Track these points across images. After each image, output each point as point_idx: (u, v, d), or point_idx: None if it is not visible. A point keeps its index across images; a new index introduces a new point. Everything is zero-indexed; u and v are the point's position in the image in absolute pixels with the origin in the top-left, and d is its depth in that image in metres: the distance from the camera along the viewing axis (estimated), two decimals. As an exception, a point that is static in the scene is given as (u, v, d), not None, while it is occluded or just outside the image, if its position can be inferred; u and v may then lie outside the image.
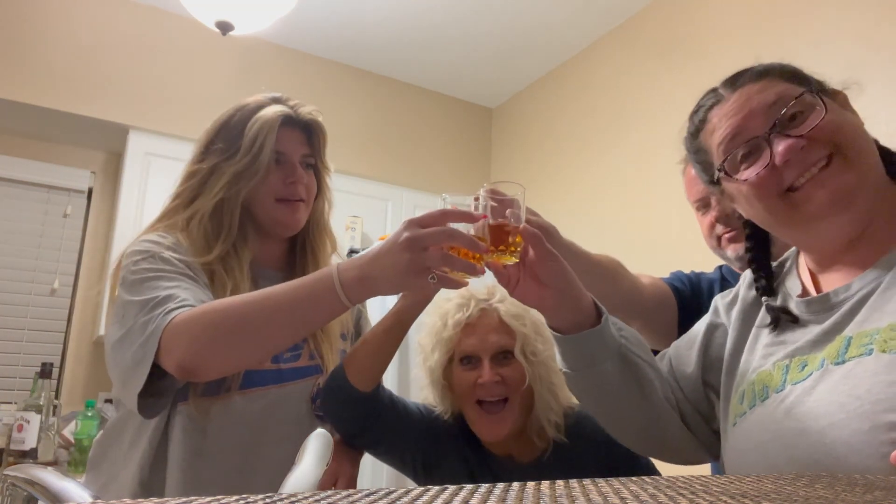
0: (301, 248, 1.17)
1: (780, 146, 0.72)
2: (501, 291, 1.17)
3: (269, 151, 1.06)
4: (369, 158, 3.41)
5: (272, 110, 1.08)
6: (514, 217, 0.82)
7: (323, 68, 3.39)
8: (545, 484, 0.41)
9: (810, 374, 0.71)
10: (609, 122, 2.97)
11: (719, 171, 0.79)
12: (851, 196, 0.72)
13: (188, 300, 0.92)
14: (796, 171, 0.73)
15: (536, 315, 1.14)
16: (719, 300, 0.94)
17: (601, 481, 0.42)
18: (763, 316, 0.84)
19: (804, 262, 0.85)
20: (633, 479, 0.44)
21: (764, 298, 0.85)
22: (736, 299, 0.91)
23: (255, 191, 1.07)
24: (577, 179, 3.11)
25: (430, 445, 1.16)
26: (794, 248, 0.89)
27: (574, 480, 0.43)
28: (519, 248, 0.81)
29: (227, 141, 1.07)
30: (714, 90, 0.82)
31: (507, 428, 1.10)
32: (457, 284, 0.85)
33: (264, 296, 0.89)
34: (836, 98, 0.80)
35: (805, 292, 0.81)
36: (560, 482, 0.42)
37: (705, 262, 1.40)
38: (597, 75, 3.11)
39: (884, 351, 0.65)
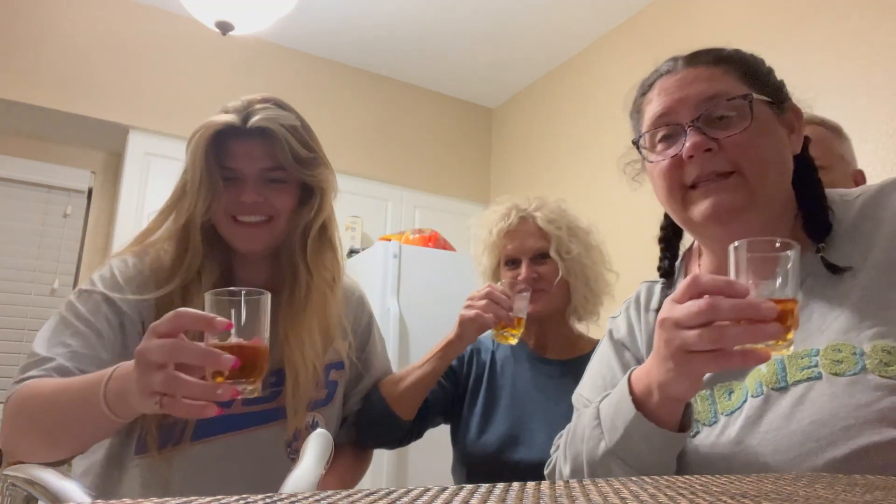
0: (281, 273, 1.05)
1: (690, 141, 0.72)
2: (538, 201, 1.33)
3: (201, 169, 0.95)
4: (369, 158, 3.41)
5: (210, 122, 0.97)
6: None
7: (323, 68, 3.39)
8: (545, 484, 0.41)
9: (744, 401, 0.68)
10: (609, 121, 2.97)
11: (634, 142, 0.81)
12: (733, 215, 0.72)
13: (54, 369, 0.86)
14: (697, 171, 0.73)
15: (570, 220, 1.30)
16: (613, 323, 0.90)
17: (601, 481, 0.42)
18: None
19: (698, 268, 0.83)
20: (633, 479, 0.44)
21: (662, 280, 0.86)
22: (632, 326, 0.86)
23: (213, 210, 0.98)
24: (578, 179, 3.11)
25: (466, 391, 1.31)
26: (686, 251, 0.89)
27: (574, 480, 0.43)
28: None
29: None
30: (674, 59, 0.80)
31: (541, 305, 1.26)
32: (190, 411, 0.67)
33: (59, 391, 0.80)
34: (783, 112, 0.77)
35: None
36: (560, 482, 0.42)
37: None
38: (597, 75, 3.11)
39: (836, 374, 0.63)
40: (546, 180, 3.31)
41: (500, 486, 0.40)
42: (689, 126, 0.73)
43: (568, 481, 0.43)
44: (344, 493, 0.36)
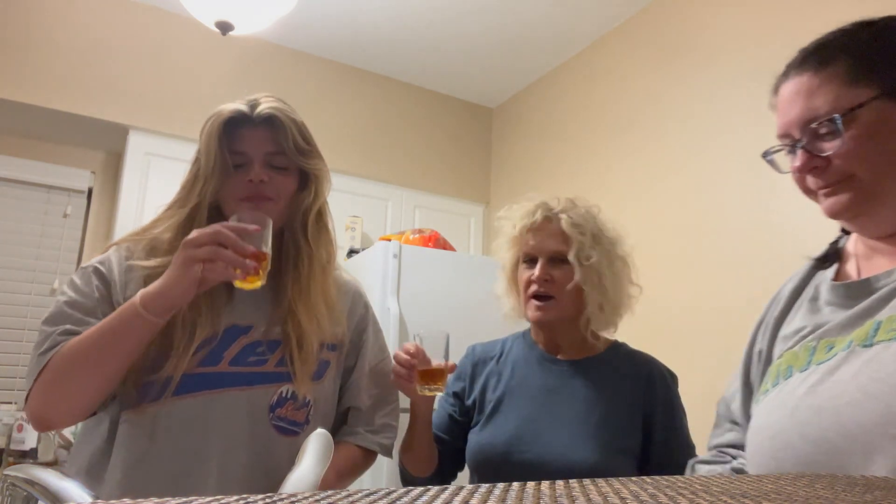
0: (286, 251, 1.13)
1: (798, 162, 0.79)
2: (567, 202, 1.32)
3: (215, 153, 1.05)
4: (369, 158, 3.41)
5: (221, 110, 1.07)
6: None
7: (323, 68, 3.39)
8: (545, 484, 0.41)
9: (835, 355, 0.73)
10: (609, 121, 2.97)
11: (764, 155, 0.87)
12: (850, 215, 0.78)
13: (65, 332, 0.98)
14: (813, 184, 0.80)
15: (596, 227, 1.28)
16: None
17: (601, 481, 0.42)
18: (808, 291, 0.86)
19: (854, 245, 0.87)
20: (633, 479, 0.44)
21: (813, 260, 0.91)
22: (779, 298, 0.92)
23: (221, 193, 1.08)
24: (578, 179, 3.11)
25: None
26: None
27: (574, 480, 0.43)
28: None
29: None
30: (793, 60, 0.85)
31: (552, 315, 1.26)
32: (228, 273, 0.93)
33: (93, 330, 0.96)
34: None
35: (840, 276, 0.84)
36: (560, 482, 0.42)
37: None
38: (597, 75, 3.11)
39: None
40: (546, 180, 3.31)
41: (501, 486, 0.40)
42: (799, 147, 0.79)
43: (568, 481, 0.43)
44: (344, 493, 0.36)
